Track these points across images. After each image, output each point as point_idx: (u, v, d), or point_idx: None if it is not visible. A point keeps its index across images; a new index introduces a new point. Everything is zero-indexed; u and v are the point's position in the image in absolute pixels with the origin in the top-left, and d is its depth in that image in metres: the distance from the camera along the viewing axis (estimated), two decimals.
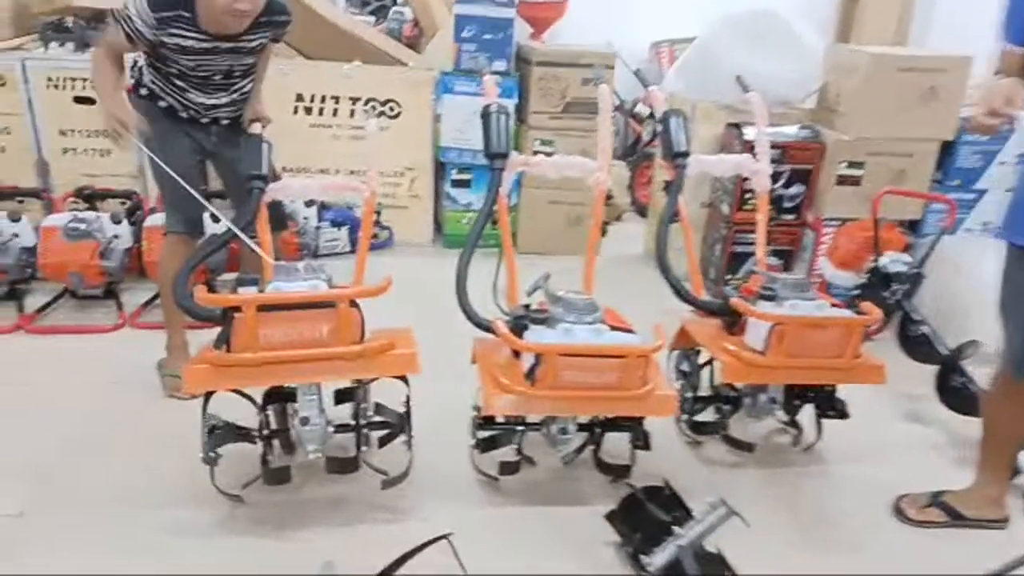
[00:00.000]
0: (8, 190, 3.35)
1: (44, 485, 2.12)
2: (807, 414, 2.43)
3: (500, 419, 2.18)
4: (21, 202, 3.39)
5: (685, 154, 2.49)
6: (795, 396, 2.38)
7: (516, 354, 2.09)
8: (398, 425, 2.09)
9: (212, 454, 1.96)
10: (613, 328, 2.00)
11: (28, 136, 3.50)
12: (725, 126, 3.58)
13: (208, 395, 1.97)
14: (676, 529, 1.78)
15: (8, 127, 3.48)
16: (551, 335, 1.95)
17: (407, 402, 2.09)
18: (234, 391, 2.01)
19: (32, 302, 3.13)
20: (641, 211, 4.93)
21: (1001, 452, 2.14)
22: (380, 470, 2.11)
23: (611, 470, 2.21)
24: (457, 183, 4.13)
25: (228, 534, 1.99)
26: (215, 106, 2.52)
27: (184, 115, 2.49)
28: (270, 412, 2.09)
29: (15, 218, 3.11)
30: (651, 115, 5.31)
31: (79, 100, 3.49)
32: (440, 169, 4.16)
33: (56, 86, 3.45)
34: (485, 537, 2.00)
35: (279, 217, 2.61)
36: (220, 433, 1.98)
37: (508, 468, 2.14)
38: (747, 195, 3.44)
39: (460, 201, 4.15)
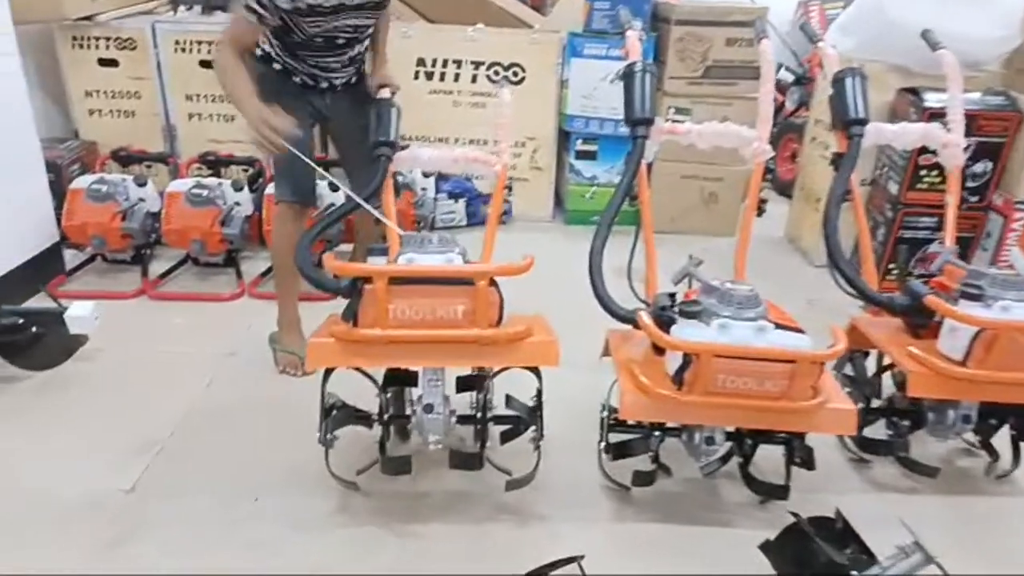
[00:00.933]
0: (137, 154, 3.37)
1: (157, 460, 2.05)
2: (1004, 437, 2.03)
3: (635, 422, 1.93)
4: (149, 167, 3.41)
5: (862, 121, 2.12)
6: (991, 414, 1.98)
7: (658, 350, 1.82)
8: (527, 421, 1.88)
9: (329, 436, 1.82)
10: (778, 326, 1.69)
11: (157, 101, 3.51)
12: (897, 91, 3.11)
13: (328, 372, 1.83)
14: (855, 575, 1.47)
15: (138, 91, 3.50)
16: (705, 332, 1.66)
17: (539, 396, 1.87)
18: (356, 370, 1.85)
19: (155, 268, 3.13)
20: (781, 190, 4.48)
21: None
22: (503, 469, 1.90)
23: (763, 489, 1.90)
24: (582, 154, 3.84)
25: (340, 526, 1.85)
26: (334, 69, 2.38)
27: (298, 80, 2.36)
28: (389, 395, 1.92)
29: (141, 182, 3.11)
30: (796, 81, 4.82)
31: (204, 64, 3.45)
32: (564, 139, 3.89)
33: (183, 49, 3.43)
34: (613, 557, 1.76)
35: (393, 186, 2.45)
36: (339, 415, 1.84)
37: (642, 479, 1.88)
38: (921, 171, 2.98)
39: (584, 174, 3.87)
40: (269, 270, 3.18)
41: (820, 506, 1.69)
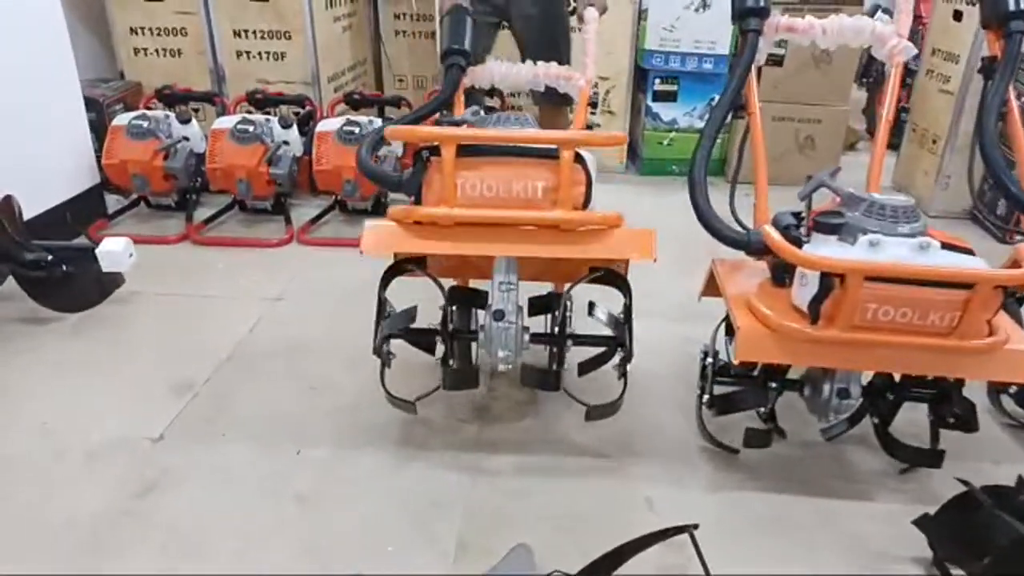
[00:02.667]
0: (182, 92, 3.16)
1: (190, 407, 1.81)
2: None
3: (742, 371, 1.60)
4: (196, 111, 3.19)
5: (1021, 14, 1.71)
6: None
7: (778, 281, 1.48)
8: (610, 341, 1.59)
9: (385, 349, 1.58)
10: (944, 246, 1.32)
11: (203, 38, 3.29)
12: None
13: (386, 277, 1.60)
14: None
15: (184, 27, 3.29)
16: (851, 251, 1.31)
17: (627, 312, 1.58)
18: (421, 268, 1.61)
19: (200, 215, 2.92)
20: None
21: None
22: (581, 401, 1.60)
23: (909, 454, 1.55)
24: (660, 95, 3.48)
25: (394, 481, 1.57)
26: None
27: None
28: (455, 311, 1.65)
29: (184, 119, 2.89)
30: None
31: None
32: (641, 79, 3.53)
33: None
34: (726, 529, 1.44)
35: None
36: (395, 318, 1.61)
37: (756, 438, 1.55)
38: None
39: (663, 118, 3.50)
40: (319, 216, 2.94)
41: (978, 476, 1.34)
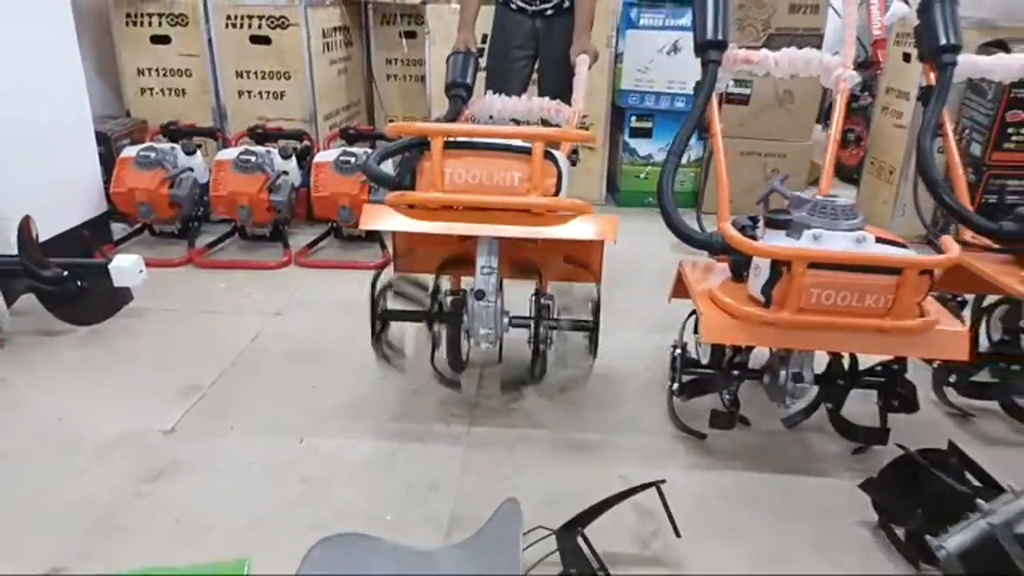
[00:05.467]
0: (186, 128, 3.34)
1: (199, 405, 1.94)
2: None
3: (704, 358, 1.77)
4: (199, 145, 3.37)
5: (955, 48, 1.95)
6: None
7: (738, 276, 1.66)
8: (585, 323, 1.81)
9: (380, 323, 1.80)
10: (879, 240, 1.51)
11: (207, 78, 3.50)
12: (978, 48, 2.91)
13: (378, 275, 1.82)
14: (982, 503, 1.27)
15: (189, 68, 3.49)
16: (795, 243, 1.49)
17: (596, 301, 1.80)
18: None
19: (202, 242, 3.08)
20: (845, 175, 4.28)
21: None
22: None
23: (858, 434, 1.71)
24: (637, 132, 3.71)
25: (394, 466, 1.71)
26: None
27: (514, 7, 2.72)
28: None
29: (190, 151, 3.07)
30: (859, 65, 4.62)
31: (255, 40, 3.43)
32: (617, 117, 3.77)
33: (234, 25, 3.41)
34: (692, 499, 1.59)
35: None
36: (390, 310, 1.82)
37: (720, 420, 1.70)
38: (1010, 130, 2.77)
39: (639, 153, 3.73)
40: (316, 241, 3.10)
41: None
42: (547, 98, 2.30)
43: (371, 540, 1.36)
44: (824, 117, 4.79)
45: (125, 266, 2.29)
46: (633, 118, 3.69)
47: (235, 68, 3.48)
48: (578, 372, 1.79)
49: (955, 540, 1.25)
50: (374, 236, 3.12)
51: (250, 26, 3.41)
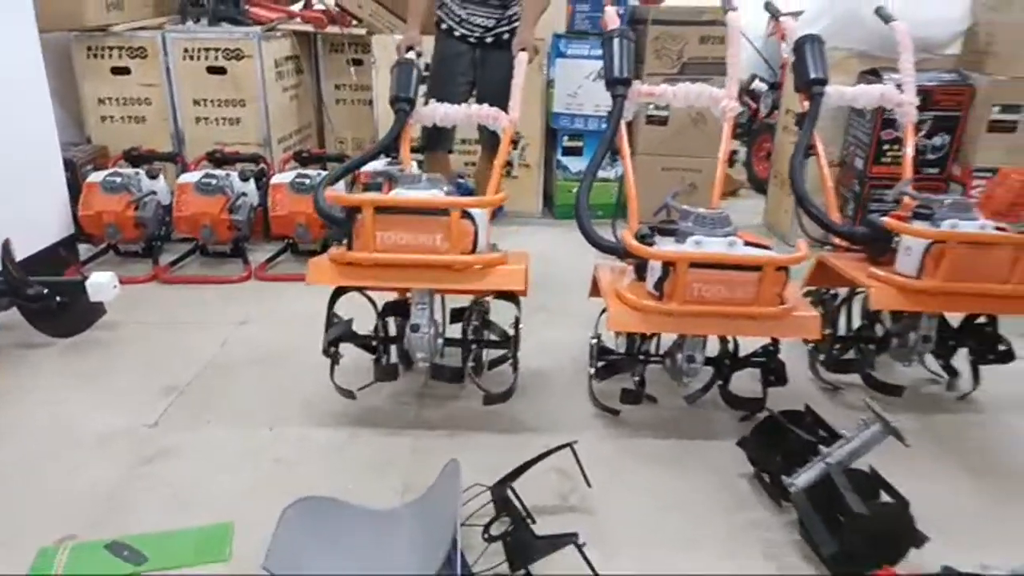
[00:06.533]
0: (147, 153, 3.55)
1: (177, 402, 2.18)
2: (964, 360, 2.20)
3: (620, 349, 2.10)
4: (160, 170, 3.58)
5: (822, 81, 2.32)
6: (950, 336, 2.15)
7: (640, 275, 1.99)
8: (506, 343, 2.06)
9: (333, 349, 2.00)
10: (748, 243, 1.87)
11: (166, 106, 3.72)
12: (859, 75, 3.34)
13: (333, 298, 2.05)
14: (822, 448, 1.62)
15: (149, 98, 3.71)
16: (681, 247, 1.84)
17: (516, 323, 2.06)
18: (359, 291, 2.06)
19: (165, 259, 3.29)
20: (758, 186, 4.71)
21: None
22: (483, 388, 2.07)
23: (742, 404, 2.06)
24: (568, 151, 4.07)
25: (354, 446, 1.99)
26: (486, 28, 2.91)
27: (457, 34, 2.93)
28: (390, 322, 2.13)
29: (153, 175, 3.29)
30: (770, 87, 5.09)
31: (212, 70, 3.67)
32: (551, 137, 4.11)
33: (192, 57, 3.65)
34: (606, 462, 1.91)
35: (493, 144, 2.86)
36: (340, 325, 2.03)
37: (629, 396, 2.03)
38: (884, 146, 3.20)
39: (571, 169, 4.08)
40: (274, 257, 3.35)
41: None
42: (486, 104, 2.50)
43: (337, 501, 1.64)
44: (742, 134, 5.25)
45: (101, 282, 2.52)
46: (565, 138, 4.04)
47: (192, 97, 3.71)
48: (501, 392, 2.05)
49: (802, 478, 1.59)
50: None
51: (206, 58, 3.65)
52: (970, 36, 3.27)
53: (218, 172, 3.30)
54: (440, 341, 2.05)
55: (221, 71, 3.67)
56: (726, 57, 2.41)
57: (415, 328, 1.98)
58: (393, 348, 2.17)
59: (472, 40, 2.94)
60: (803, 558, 1.59)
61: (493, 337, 2.11)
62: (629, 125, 2.35)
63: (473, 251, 1.93)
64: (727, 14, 2.47)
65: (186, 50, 3.64)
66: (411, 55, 2.55)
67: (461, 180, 3.98)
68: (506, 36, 2.92)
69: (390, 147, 2.24)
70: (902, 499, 1.51)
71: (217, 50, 3.63)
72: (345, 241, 1.92)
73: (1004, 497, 1.82)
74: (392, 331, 2.14)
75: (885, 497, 1.54)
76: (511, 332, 2.08)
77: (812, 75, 2.33)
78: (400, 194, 1.93)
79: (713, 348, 2.08)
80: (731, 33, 2.40)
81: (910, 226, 1.94)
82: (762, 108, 5.07)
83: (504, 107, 2.59)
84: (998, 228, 1.98)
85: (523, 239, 3.71)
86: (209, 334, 2.63)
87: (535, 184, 4.16)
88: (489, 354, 2.21)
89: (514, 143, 4.01)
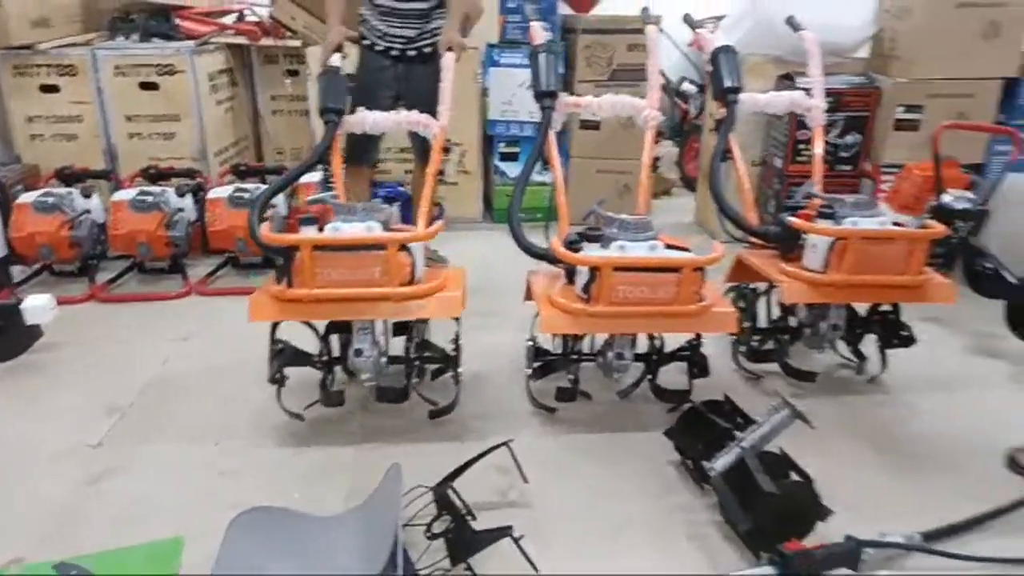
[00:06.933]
0: (80, 171, 3.52)
1: (121, 422, 2.20)
2: (871, 346, 2.38)
3: (555, 350, 2.20)
4: (93, 187, 3.55)
5: (736, 89, 2.46)
6: (858, 324, 2.32)
7: (570, 279, 2.09)
8: (446, 360, 2.13)
9: (278, 375, 2.02)
10: (669, 247, 1.99)
11: (98, 123, 3.68)
12: (776, 79, 3.53)
13: (274, 326, 2.07)
14: (737, 434, 1.75)
15: (80, 115, 3.66)
16: (606, 252, 1.95)
17: (456, 339, 2.13)
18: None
19: (102, 278, 3.26)
20: (690, 185, 4.89)
21: None
22: (430, 400, 2.14)
23: (669, 397, 2.19)
24: (506, 156, 4.17)
25: (299, 458, 2.04)
26: (408, 39, 2.90)
27: (380, 48, 2.93)
28: (333, 340, 2.16)
29: (86, 194, 3.27)
30: (699, 89, 5.28)
31: (144, 86, 3.65)
32: (489, 144, 4.21)
33: (123, 74, 3.62)
34: (544, 458, 2.00)
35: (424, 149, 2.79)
36: (286, 355, 2.05)
37: (564, 394, 2.14)
38: (800, 146, 3.38)
39: (509, 174, 4.18)
40: (214, 271, 3.35)
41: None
42: (416, 111, 2.53)
43: (282, 510, 1.69)
44: (674, 134, 5.44)
45: (38, 304, 2.51)
46: (502, 144, 4.14)
47: (125, 113, 3.68)
48: (444, 406, 2.13)
49: (720, 463, 1.72)
50: (271, 263, 3.39)
51: (138, 74, 3.63)
52: (876, 41, 3.49)
53: (154, 188, 3.30)
54: (384, 360, 2.09)
55: (153, 87, 3.66)
56: (647, 67, 2.53)
57: (358, 353, 2.03)
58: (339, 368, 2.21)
59: (394, 54, 2.94)
60: (724, 537, 1.72)
61: (434, 355, 2.17)
62: (560, 134, 2.45)
63: (412, 280, 1.98)
64: (646, 26, 2.59)
65: (117, 67, 3.61)
66: (336, 60, 2.49)
67: (401, 188, 4.05)
68: (428, 50, 2.92)
69: (321, 159, 2.27)
70: (807, 477, 1.65)
71: (149, 66, 3.62)
72: (285, 278, 1.93)
73: (904, 471, 1.99)
74: (336, 350, 2.17)
75: (795, 476, 1.68)
76: (452, 348, 2.14)
77: (727, 84, 2.47)
78: (337, 228, 1.93)
79: (643, 344, 2.20)
80: (650, 44, 2.53)
81: (814, 225, 2.09)
82: (692, 109, 5.26)
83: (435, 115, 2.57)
84: (895, 224, 2.16)
85: (465, 244, 3.78)
86: (151, 351, 2.65)
87: (475, 189, 4.26)
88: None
89: (446, 150, 4.06)
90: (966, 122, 3.08)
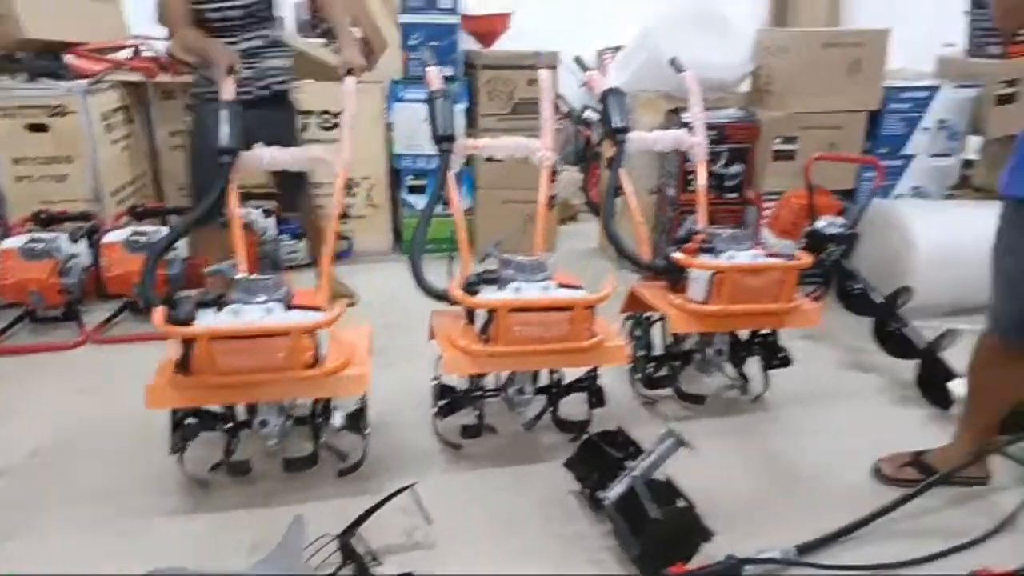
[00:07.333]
0: None
1: (11, 484, 2.13)
2: (754, 367, 2.55)
3: (459, 387, 2.26)
4: None
5: (624, 129, 2.60)
6: (740, 348, 2.49)
7: (470, 320, 2.17)
8: (353, 418, 2.11)
9: (180, 446, 2.00)
10: (562, 285, 2.09)
11: None
12: (666, 113, 3.73)
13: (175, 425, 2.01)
14: (628, 463, 1.85)
15: None
16: (502, 294, 2.03)
17: (363, 398, 2.12)
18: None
19: None
20: (595, 210, 5.06)
21: (985, 414, 2.06)
22: (339, 453, 2.17)
23: (570, 427, 2.28)
24: (413, 189, 4.22)
25: (201, 514, 2.02)
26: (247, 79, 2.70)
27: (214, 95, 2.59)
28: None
29: None
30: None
31: (33, 128, 3.52)
32: (396, 177, 4.26)
33: (9, 116, 3.48)
34: (449, 495, 2.06)
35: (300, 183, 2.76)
36: (187, 428, 1.99)
37: (470, 432, 2.20)
38: (690, 176, 3.57)
39: (417, 207, 4.23)
40: (111, 317, 3.25)
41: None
42: (317, 147, 2.45)
43: (184, 570, 1.69)
44: (578, 160, 5.63)
45: None
46: (409, 178, 4.20)
47: (12, 156, 3.54)
48: (353, 464, 2.14)
49: (613, 492, 1.82)
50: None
51: (25, 116, 3.50)
52: (755, 77, 3.75)
53: (45, 235, 3.19)
54: (290, 423, 2.07)
55: (43, 128, 3.53)
56: (540, 109, 2.64)
57: (264, 424, 2.01)
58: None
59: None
60: (619, 562, 1.82)
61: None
62: (465, 164, 2.53)
63: (316, 360, 1.92)
64: (538, 71, 2.71)
65: (3, 108, 3.48)
66: (230, 90, 2.30)
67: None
68: (267, 94, 2.82)
69: (215, 206, 2.19)
70: (690, 503, 1.77)
71: (37, 108, 3.50)
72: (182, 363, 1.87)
73: (784, 485, 2.15)
74: (242, 413, 2.10)
75: (681, 502, 1.79)
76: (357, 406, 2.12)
77: (616, 124, 2.61)
78: (237, 311, 1.86)
79: (545, 377, 2.29)
80: (543, 89, 2.64)
81: (695, 260, 2.24)
82: (594, 136, 5.44)
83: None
84: (770, 255, 2.34)
85: (373, 276, 3.82)
86: (43, 407, 2.56)
87: (383, 222, 4.29)
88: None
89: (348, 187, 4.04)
90: (832, 154, 3.34)
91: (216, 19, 2.80)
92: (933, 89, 3.49)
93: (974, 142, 3.82)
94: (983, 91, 3.46)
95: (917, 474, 2.07)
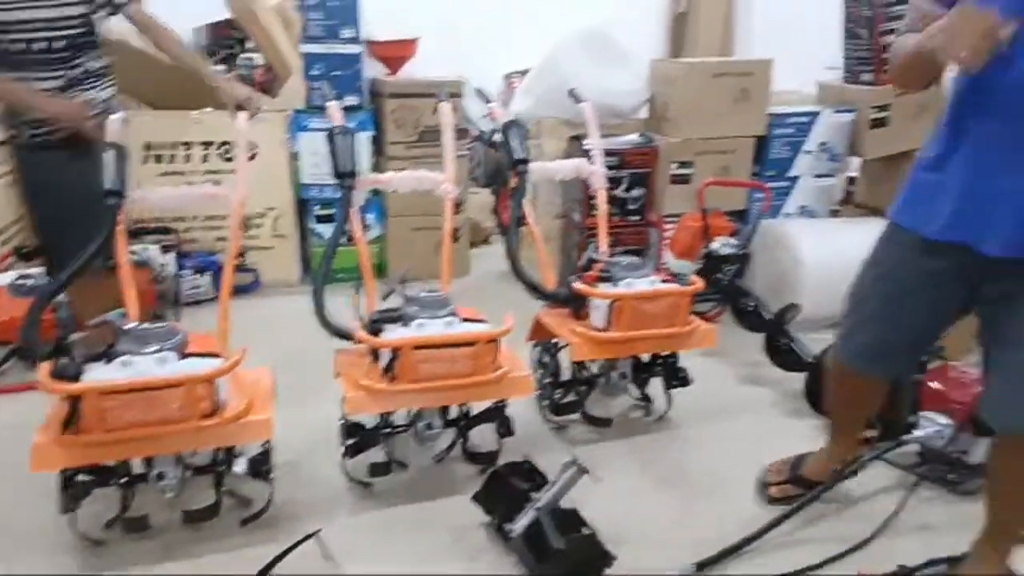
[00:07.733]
0: None
1: None
2: (657, 388, 2.65)
3: (367, 425, 2.26)
4: None
5: (525, 161, 2.68)
6: (643, 370, 2.58)
7: (375, 358, 2.17)
8: (257, 464, 2.06)
9: (71, 507, 1.91)
10: (465, 320, 2.12)
11: None
12: (568, 139, 3.84)
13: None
14: (534, 495, 1.90)
15: None
16: (406, 332, 2.05)
17: (267, 442, 2.07)
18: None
19: None
20: (506, 233, 5.12)
21: (847, 426, 2.18)
22: (242, 499, 2.12)
23: (480, 459, 2.31)
24: (321, 219, 4.18)
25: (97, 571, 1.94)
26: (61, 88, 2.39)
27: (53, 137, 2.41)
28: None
29: None
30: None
31: None
32: (303, 207, 4.21)
33: None
34: (358, 536, 2.06)
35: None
36: (77, 487, 1.91)
37: (378, 469, 2.20)
38: (593, 202, 3.68)
39: (326, 236, 4.19)
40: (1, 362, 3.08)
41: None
42: (208, 185, 2.33)
43: None
44: (489, 183, 5.69)
45: None
46: (317, 207, 4.15)
47: None
48: (256, 512, 2.08)
49: (519, 524, 1.86)
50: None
51: None
52: (652, 105, 3.90)
53: None
54: (189, 473, 2.01)
55: None
56: (445, 144, 2.67)
57: (161, 476, 1.94)
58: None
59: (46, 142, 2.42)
60: None
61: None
62: (374, 192, 2.53)
63: (215, 409, 1.86)
64: (439, 104, 2.74)
65: None
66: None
67: (213, 258, 3.93)
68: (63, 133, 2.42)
69: (101, 252, 2.05)
70: (592, 529, 1.82)
71: None
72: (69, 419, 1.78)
73: (686, 502, 2.24)
74: (138, 466, 2.01)
75: (585, 530, 1.85)
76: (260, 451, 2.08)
77: (517, 156, 2.68)
78: (128, 364, 1.78)
79: (455, 410, 2.31)
80: (443, 123, 2.68)
81: (594, 289, 2.32)
82: (504, 159, 5.54)
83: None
84: (665, 280, 2.44)
85: (282, 308, 3.76)
86: None
87: (291, 253, 4.22)
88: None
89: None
90: (723, 179, 3.51)
91: (16, 52, 2.32)
92: (814, 115, 3.71)
93: (856, 162, 4.09)
94: (858, 115, 3.71)
95: (796, 490, 2.18)
